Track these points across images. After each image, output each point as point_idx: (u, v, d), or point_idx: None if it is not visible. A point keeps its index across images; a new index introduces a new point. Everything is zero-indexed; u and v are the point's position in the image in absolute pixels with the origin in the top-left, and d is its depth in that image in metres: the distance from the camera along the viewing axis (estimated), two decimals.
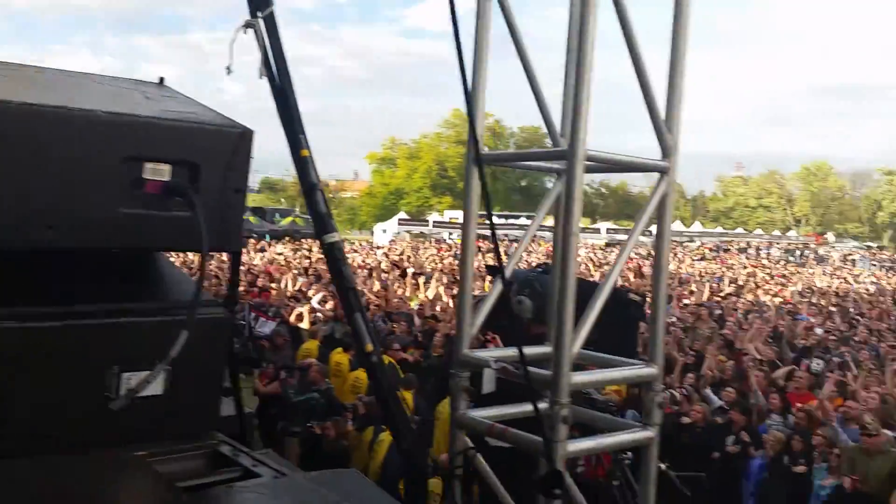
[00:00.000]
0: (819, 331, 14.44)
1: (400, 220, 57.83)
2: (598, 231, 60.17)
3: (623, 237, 57.97)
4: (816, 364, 11.89)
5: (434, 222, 57.39)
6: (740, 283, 24.34)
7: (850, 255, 52.68)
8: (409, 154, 77.53)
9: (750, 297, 20.00)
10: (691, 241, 60.47)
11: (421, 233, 54.94)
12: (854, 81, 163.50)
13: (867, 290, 24.79)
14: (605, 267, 28.04)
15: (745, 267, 33.42)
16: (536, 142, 74.18)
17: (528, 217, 58.79)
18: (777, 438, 8.52)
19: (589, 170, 3.07)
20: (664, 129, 2.60)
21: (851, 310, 18.24)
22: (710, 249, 49.38)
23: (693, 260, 38.92)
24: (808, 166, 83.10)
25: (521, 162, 3.37)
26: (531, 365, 2.56)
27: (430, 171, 75.38)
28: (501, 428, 2.65)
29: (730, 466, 8.61)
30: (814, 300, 20.09)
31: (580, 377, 2.46)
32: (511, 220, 59.65)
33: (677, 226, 70.66)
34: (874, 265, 43.76)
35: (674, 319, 15.33)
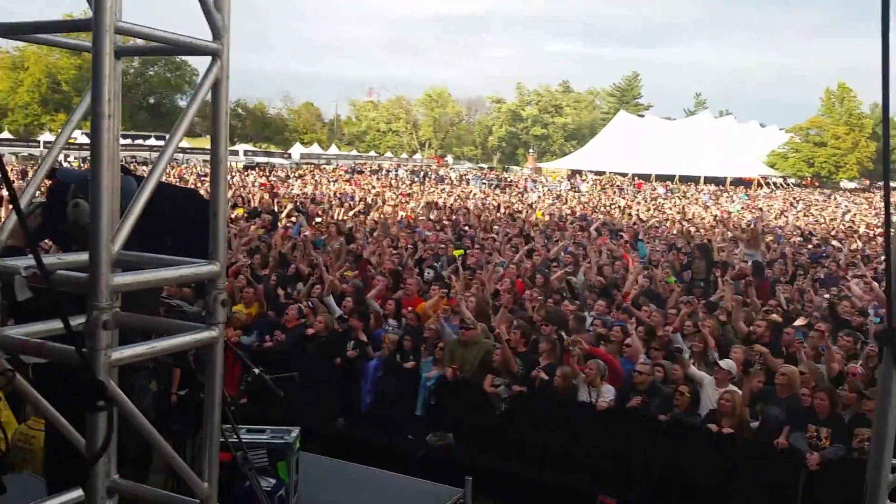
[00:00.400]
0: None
1: (2, 140, 50.07)
2: (236, 153, 58.56)
3: (263, 159, 56.89)
4: (428, 272, 13.12)
5: (45, 143, 50.65)
6: (369, 202, 25.61)
7: (465, 175, 58.82)
8: (13, 64, 66.90)
9: (376, 215, 21.15)
10: (328, 163, 62.11)
11: (30, 155, 48.34)
12: (474, 12, 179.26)
13: (475, 205, 27.83)
14: (243, 190, 27.40)
15: (373, 187, 35.26)
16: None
17: (157, 138, 54.85)
18: (391, 340, 9.22)
19: (128, 52, 2.76)
20: (212, 7, 2.40)
21: (462, 222, 20.39)
22: (346, 171, 51.22)
23: (329, 181, 39.95)
24: (429, 93, 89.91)
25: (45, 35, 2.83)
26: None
27: (38, 85, 65.98)
28: (37, 343, 2.31)
29: (350, 370, 9.14)
30: (431, 216, 21.94)
31: (122, 278, 2.21)
32: (139, 142, 55.05)
33: (315, 149, 71.93)
34: (485, 184, 49.46)
35: (306, 234, 15.65)
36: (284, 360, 8.77)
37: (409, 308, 10.32)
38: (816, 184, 66.50)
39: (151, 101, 73.03)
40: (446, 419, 8.44)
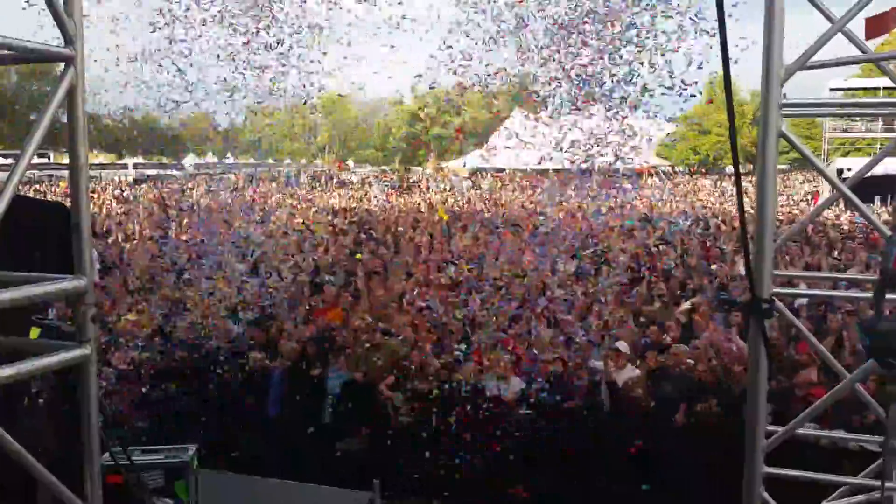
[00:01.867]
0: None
1: None
2: (126, 167, 56.25)
3: (153, 171, 54.86)
4: (329, 279, 12.97)
5: None
6: (268, 209, 25.08)
7: (367, 178, 58.56)
8: None
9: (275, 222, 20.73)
10: (224, 173, 60.40)
11: None
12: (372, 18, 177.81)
13: (377, 208, 27.76)
14: (130, 204, 26.33)
15: (271, 195, 34.63)
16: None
17: (40, 155, 52.00)
18: (292, 349, 9.07)
19: None
20: (62, 13, 2.30)
21: (365, 227, 20.28)
22: (244, 180, 49.99)
23: (225, 191, 38.90)
24: (327, 98, 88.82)
25: None
26: None
27: None
28: None
29: (254, 379, 8.94)
30: (332, 220, 21.72)
31: None
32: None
33: (210, 158, 69.72)
34: (387, 185, 49.39)
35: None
36: (184, 374, 8.51)
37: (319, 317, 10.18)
38: (703, 171, 69.64)
39: (33, 117, 69.21)
40: (353, 425, 8.38)
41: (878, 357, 2.29)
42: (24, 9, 8.97)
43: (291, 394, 8.71)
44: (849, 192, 3.20)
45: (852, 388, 3.18)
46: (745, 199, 3.13)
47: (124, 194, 32.89)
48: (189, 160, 66.29)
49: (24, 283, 2.38)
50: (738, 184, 2.89)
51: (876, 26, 2.68)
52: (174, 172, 57.96)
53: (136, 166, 58.10)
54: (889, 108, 3.34)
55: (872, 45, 3.14)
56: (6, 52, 2.37)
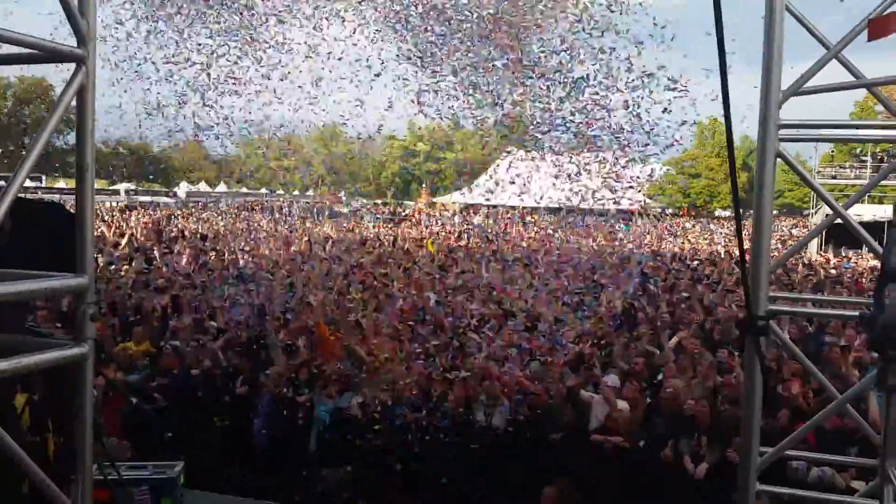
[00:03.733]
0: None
1: None
2: (117, 192, 56.23)
3: (146, 198, 54.69)
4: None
5: None
6: (258, 239, 25.11)
7: (359, 210, 58.68)
8: None
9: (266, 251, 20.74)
10: (217, 202, 60.52)
11: None
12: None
13: (363, 238, 27.85)
14: (124, 227, 26.29)
15: (261, 225, 34.71)
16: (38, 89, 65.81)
17: (32, 179, 51.87)
18: (278, 373, 8.99)
19: None
20: (76, 12, 2.33)
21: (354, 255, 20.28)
22: (237, 209, 50.06)
23: (217, 219, 38.96)
24: (321, 130, 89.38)
25: None
26: None
27: None
28: None
29: (242, 406, 8.85)
30: (324, 250, 21.73)
31: None
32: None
33: (202, 187, 69.89)
34: (378, 218, 49.51)
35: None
36: (172, 399, 8.43)
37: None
38: (693, 213, 70.14)
39: (27, 140, 69.34)
40: (341, 453, 8.29)
41: (879, 349, 2.32)
42: (40, 13, 9.06)
43: (278, 420, 8.62)
44: (843, 212, 3.25)
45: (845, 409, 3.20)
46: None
47: (114, 218, 32.76)
48: (181, 188, 66.41)
49: (22, 280, 2.38)
50: (735, 201, 2.94)
51: (879, 28, 2.75)
52: (166, 200, 57.99)
53: (127, 192, 58.08)
54: (888, 131, 3.42)
55: (869, 74, 3.22)
56: (19, 50, 2.40)
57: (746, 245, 2.88)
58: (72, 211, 3.87)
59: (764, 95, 3.00)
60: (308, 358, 9.40)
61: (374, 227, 40.16)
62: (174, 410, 8.44)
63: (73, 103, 2.42)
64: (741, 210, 3.25)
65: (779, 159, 3.14)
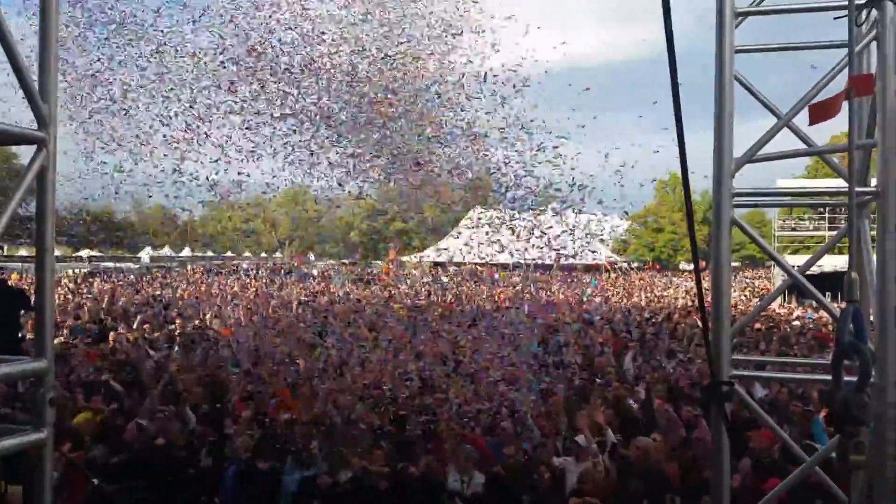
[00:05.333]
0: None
1: None
2: (81, 259, 55.42)
3: (109, 264, 53.88)
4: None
5: None
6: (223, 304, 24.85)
7: (327, 271, 58.45)
8: None
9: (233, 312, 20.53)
10: (183, 265, 59.98)
11: None
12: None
13: (335, 298, 27.67)
14: (84, 296, 25.80)
15: (224, 289, 34.44)
16: None
17: None
18: (246, 444, 8.79)
19: None
20: (37, 97, 2.35)
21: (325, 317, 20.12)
22: (202, 273, 49.53)
23: (180, 284, 38.52)
24: (287, 192, 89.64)
25: None
26: None
27: None
28: None
29: (207, 479, 8.60)
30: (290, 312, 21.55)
31: None
32: None
33: (167, 251, 69.23)
34: (347, 279, 49.30)
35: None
36: (134, 473, 8.15)
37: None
38: (658, 267, 71.18)
39: None
40: None
41: (837, 425, 2.34)
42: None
43: (245, 490, 8.38)
44: (801, 278, 3.33)
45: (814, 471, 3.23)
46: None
47: (78, 286, 32.21)
48: (145, 253, 65.68)
49: None
50: (696, 271, 3.00)
51: (820, 112, 2.87)
52: (130, 265, 57.27)
53: (90, 259, 57.26)
54: (834, 199, 3.54)
55: (820, 140, 3.35)
56: None
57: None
58: (11, 286, 3.80)
59: (717, 164, 3.11)
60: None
61: (342, 287, 39.91)
62: (137, 488, 8.15)
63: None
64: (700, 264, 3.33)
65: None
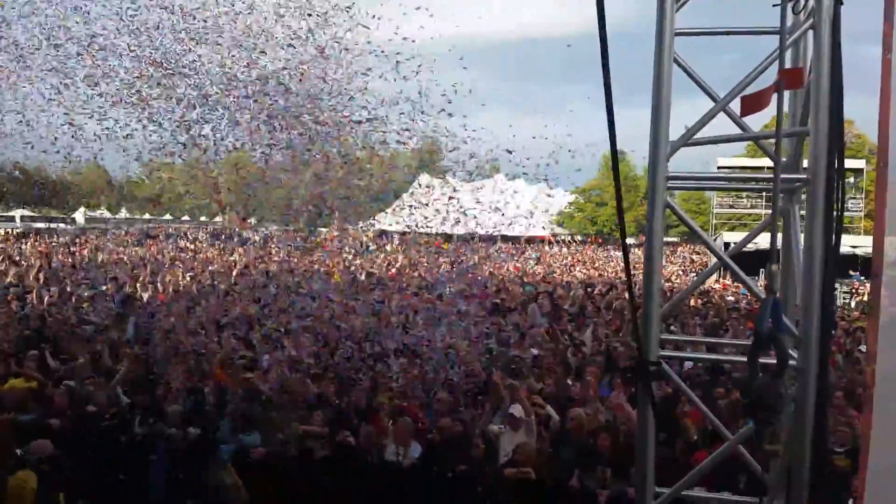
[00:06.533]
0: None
1: None
2: (13, 219, 53.42)
3: (42, 225, 52.13)
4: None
5: None
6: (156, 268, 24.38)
7: (270, 237, 57.52)
8: None
9: (170, 277, 20.13)
10: (117, 227, 58.27)
11: None
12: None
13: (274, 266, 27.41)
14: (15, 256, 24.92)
15: (163, 252, 33.66)
16: None
17: None
18: (179, 411, 8.66)
19: None
20: None
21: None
22: (138, 235, 48.25)
23: (117, 247, 37.47)
24: (228, 158, 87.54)
25: None
26: None
27: None
28: None
29: (138, 448, 8.45)
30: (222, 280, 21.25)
31: None
32: None
33: (102, 212, 67.17)
34: (290, 245, 48.65)
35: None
36: (66, 441, 7.95)
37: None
38: (600, 240, 72.26)
39: None
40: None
41: (751, 414, 2.40)
42: None
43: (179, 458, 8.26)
44: (729, 261, 3.40)
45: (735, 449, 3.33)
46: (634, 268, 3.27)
47: (11, 246, 31.05)
48: (80, 214, 63.57)
49: None
50: (624, 251, 3.03)
51: (751, 104, 2.91)
52: (63, 226, 55.42)
53: (23, 219, 55.18)
54: (765, 183, 3.62)
55: (756, 125, 3.41)
56: None
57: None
58: None
59: (652, 148, 3.13)
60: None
61: (285, 254, 39.40)
62: (68, 457, 7.93)
63: None
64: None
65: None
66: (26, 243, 37.53)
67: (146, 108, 10.68)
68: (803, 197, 3.72)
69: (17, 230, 48.14)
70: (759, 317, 2.55)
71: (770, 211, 3.32)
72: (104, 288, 18.05)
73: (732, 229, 44.19)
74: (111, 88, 10.46)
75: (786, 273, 3.70)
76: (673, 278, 34.80)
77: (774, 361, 2.57)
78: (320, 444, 8.19)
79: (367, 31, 10.17)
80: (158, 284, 19.53)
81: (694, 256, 51.57)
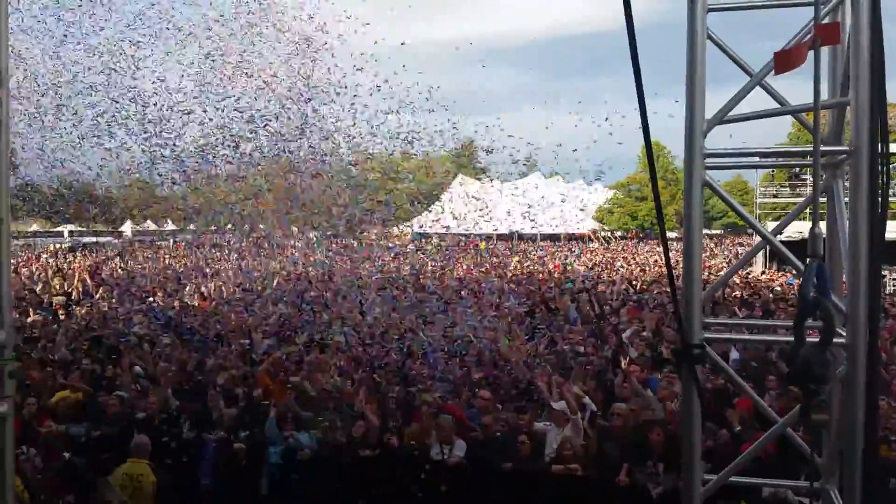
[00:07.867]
0: None
1: None
2: (61, 234, 54.85)
3: (90, 239, 53.29)
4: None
5: None
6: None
7: (310, 242, 58.01)
8: None
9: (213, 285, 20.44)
10: (164, 238, 59.36)
11: None
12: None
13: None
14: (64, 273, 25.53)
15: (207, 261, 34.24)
16: None
17: None
18: (229, 415, 8.78)
19: None
20: None
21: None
22: (184, 246, 49.03)
23: (163, 257, 38.26)
24: (267, 164, 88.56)
25: None
26: None
27: None
28: None
29: (187, 451, 8.57)
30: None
31: None
32: None
33: (149, 225, 68.61)
34: (330, 251, 49.02)
35: None
36: (114, 447, 8.12)
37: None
38: (641, 235, 71.41)
39: None
40: (294, 495, 8.08)
41: (797, 383, 2.32)
42: None
43: (226, 462, 8.37)
44: (774, 240, 3.30)
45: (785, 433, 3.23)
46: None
47: (58, 261, 31.88)
48: (127, 227, 64.99)
49: None
50: (662, 234, 2.96)
51: (785, 61, 2.81)
52: (111, 240, 56.72)
53: (71, 234, 56.62)
54: (807, 159, 3.51)
55: (799, 97, 3.31)
56: None
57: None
58: None
59: (688, 124, 3.06)
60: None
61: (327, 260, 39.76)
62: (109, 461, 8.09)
63: None
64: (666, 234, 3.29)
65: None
66: (75, 257, 38.55)
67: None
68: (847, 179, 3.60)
69: (66, 244, 49.40)
70: (803, 283, 2.46)
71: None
72: (151, 299, 18.42)
73: (777, 220, 43.24)
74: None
75: (831, 254, 3.59)
76: (722, 269, 34.17)
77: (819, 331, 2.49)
78: (367, 443, 8.23)
79: (399, 34, 10.20)
80: (203, 290, 19.88)
81: (740, 249, 50.64)
